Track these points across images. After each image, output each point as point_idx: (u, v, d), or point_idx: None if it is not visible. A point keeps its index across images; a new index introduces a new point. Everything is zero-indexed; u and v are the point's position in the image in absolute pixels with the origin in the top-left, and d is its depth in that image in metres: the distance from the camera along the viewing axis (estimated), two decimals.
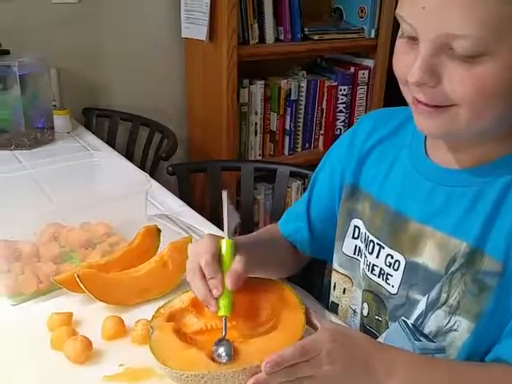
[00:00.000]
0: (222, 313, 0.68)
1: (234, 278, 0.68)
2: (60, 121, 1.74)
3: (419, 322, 0.73)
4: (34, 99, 1.62)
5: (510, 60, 0.58)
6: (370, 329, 0.82)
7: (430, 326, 0.72)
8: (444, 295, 0.70)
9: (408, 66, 0.62)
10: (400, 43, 0.65)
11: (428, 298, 0.72)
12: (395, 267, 0.75)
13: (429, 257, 0.72)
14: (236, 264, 0.70)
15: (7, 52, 1.65)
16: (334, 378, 0.63)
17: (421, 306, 0.73)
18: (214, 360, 0.64)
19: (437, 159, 0.74)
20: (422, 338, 0.73)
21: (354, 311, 0.85)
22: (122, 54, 2.09)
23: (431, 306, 0.71)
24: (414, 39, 0.62)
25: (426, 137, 0.76)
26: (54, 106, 1.77)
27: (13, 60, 1.55)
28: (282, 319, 0.70)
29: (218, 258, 0.70)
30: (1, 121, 1.60)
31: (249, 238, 0.85)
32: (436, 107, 0.63)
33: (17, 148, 1.60)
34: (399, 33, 0.65)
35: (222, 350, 0.64)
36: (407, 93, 0.67)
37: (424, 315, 0.72)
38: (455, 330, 0.70)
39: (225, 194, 0.71)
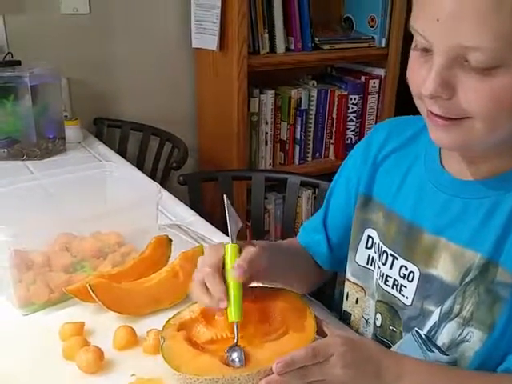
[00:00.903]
0: (232, 319, 0.67)
1: (239, 270, 0.68)
2: (71, 131, 1.76)
3: (432, 333, 0.73)
4: (45, 110, 1.63)
5: None
6: (383, 339, 0.81)
7: (442, 338, 0.71)
8: (457, 306, 0.70)
9: (422, 78, 0.61)
10: (414, 55, 0.64)
11: (441, 310, 0.71)
12: (409, 278, 0.75)
13: (443, 269, 0.71)
14: (243, 255, 0.69)
15: (18, 63, 1.66)
16: (345, 382, 0.62)
17: (434, 317, 0.72)
18: (227, 366, 0.64)
19: (452, 170, 0.73)
20: (434, 349, 0.72)
21: (367, 321, 0.85)
22: (133, 64, 2.10)
23: (444, 318, 0.71)
24: (427, 51, 0.61)
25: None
26: (65, 116, 1.78)
27: (24, 71, 1.56)
28: (293, 325, 0.70)
29: (220, 267, 0.69)
30: (12, 131, 1.61)
31: (269, 243, 0.84)
32: (451, 120, 0.62)
33: (28, 158, 1.61)
34: (413, 45, 0.64)
35: (235, 355, 0.64)
36: (421, 106, 0.66)
37: (437, 326, 0.72)
38: (467, 341, 0.69)
39: (226, 200, 0.71)
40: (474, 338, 0.68)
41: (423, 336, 0.73)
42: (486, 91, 0.58)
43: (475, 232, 0.68)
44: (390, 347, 0.79)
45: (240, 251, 0.71)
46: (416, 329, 0.74)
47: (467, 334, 0.69)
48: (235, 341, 0.66)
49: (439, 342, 0.72)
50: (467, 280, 0.68)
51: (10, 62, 1.68)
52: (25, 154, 1.61)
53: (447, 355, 0.71)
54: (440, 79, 0.59)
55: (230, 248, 0.71)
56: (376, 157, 0.83)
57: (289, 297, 0.75)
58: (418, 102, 0.67)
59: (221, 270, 0.69)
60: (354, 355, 0.63)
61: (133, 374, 0.71)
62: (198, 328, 0.72)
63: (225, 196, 0.72)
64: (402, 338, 0.77)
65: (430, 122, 0.65)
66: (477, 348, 0.68)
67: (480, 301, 0.67)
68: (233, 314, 0.67)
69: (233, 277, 0.68)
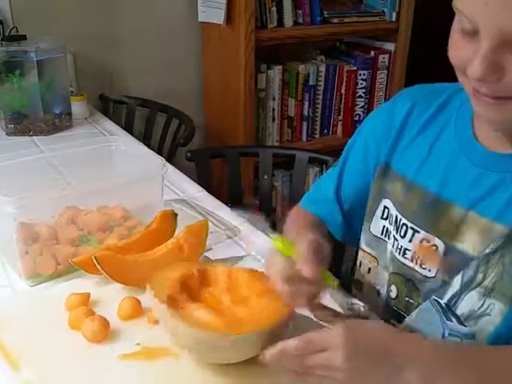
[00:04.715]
0: (335, 287, 0.69)
1: (307, 265, 0.65)
2: (77, 107, 1.75)
3: (452, 302, 0.72)
4: (51, 85, 1.63)
5: None
6: (397, 310, 0.80)
7: (462, 308, 0.71)
8: (480, 275, 0.69)
9: (467, 57, 0.60)
10: (457, 35, 0.63)
11: (463, 278, 0.70)
12: (432, 251, 0.74)
13: (470, 242, 0.70)
14: (305, 248, 0.67)
15: (24, 37, 1.65)
16: (349, 376, 0.59)
17: (455, 286, 0.71)
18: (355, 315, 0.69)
19: (485, 141, 0.71)
20: (453, 319, 0.72)
21: (378, 292, 0.84)
22: (138, 39, 2.08)
23: (466, 287, 0.70)
24: (473, 33, 0.60)
25: (472, 116, 0.74)
26: (71, 92, 1.77)
27: (30, 45, 1.55)
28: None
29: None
30: (19, 107, 1.61)
31: (300, 229, 0.83)
32: (499, 99, 0.61)
33: (35, 134, 1.61)
34: (455, 24, 0.63)
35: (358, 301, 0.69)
36: (466, 83, 0.64)
37: (458, 295, 0.71)
38: (488, 315, 0.68)
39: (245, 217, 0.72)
40: (495, 311, 0.68)
41: (443, 304, 0.73)
42: None
43: (505, 206, 0.67)
44: (404, 318, 0.78)
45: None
46: (434, 297, 0.74)
47: (488, 307, 0.68)
48: (349, 300, 0.70)
49: (458, 312, 0.71)
50: (490, 250, 0.68)
51: (16, 37, 1.68)
52: (32, 129, 1.61)
53: (465, 326, 0.70)
54: (487, 63, 0.58)
55: (276, 240, 0.70)
56: (400, 127, 0.81)
57: None
58: (462, 78, 0.65)
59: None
60: (355, 345, 0.59)
61: (138, 343, 0.72)
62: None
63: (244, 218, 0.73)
64: (417, 308, 0.77)
65: (475, 100, 0.64)
66: (497, 322, 0.67)
67: (504, 271, 0.67)
68: (332, 285, 0.69)
69: (305, 274, 0.65)
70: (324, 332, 0.61)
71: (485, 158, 0.71)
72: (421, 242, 0.75)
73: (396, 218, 0.79)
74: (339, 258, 1.01)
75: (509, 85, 0.59)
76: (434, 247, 0.74)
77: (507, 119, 0.63)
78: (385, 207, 0.82)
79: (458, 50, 0.63)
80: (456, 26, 0.63)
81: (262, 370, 0.65)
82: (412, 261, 0.76)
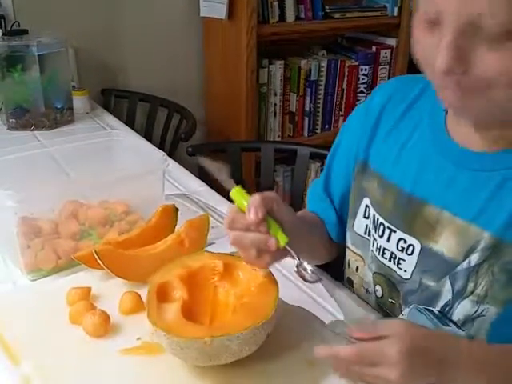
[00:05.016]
0: (283, 242, 0.66)
1: (253, 210, 0.64)
2: (79, 101, 1.75)
3: (446, 310, 0.71)
4: (52, 79, 1.62)
5: None
6: (386, 310, 0.80)
7: (458, 314, 0.70)
8: (471, 285, 0.67)
9: (431, 51, 0.58)
10: (419, 26, 0.60)
11: (453, 288, 0.69)
12: (409, 252, 0.72)
13: (445, 244, 0.69)
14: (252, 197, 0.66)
15: (26, 32, 1.65)
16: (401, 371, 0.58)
17: (446, 296, 0.70)
18: (303, 278, 0.68)
19: (459, 139, 0.69)
20: (450, 324, 0.70)
21: (367, 290, 0.83)
22: (140, 34, 2.08)
23: (458, 296, 0.69)
24: (435, 23, 0.58)
25: (445, 112, 0.72)
26: (73, 86, 1.77)
27: (31, 40, 1.55)
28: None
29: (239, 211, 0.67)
30: (21, 101, 1.61)
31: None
32: (467, 90, 0.59)
33: (37, 129, 1.61)
34: (414, 20, 0.61)
35: (306, 265, 0.67)
36: (432, 76, 0.62)
37: (451, 304, 0.70)
38: (483, 316, 0.67)
39: (201, 159, 0.70)
40: (490, 313, 0.67)
41: (436, 312, 0.71)
42: (504, 59, 0.55)
43: (483, 208, 0.65)
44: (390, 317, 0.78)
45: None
46: (424, 306, 0.72)
47: (483, 311, 0.67)
48: (298, 260, 0.68)
49: (455, 318, 0.70)
50: (478, 261, 0.66)
51: (17, 31, 1.67)
52: (33, 124, 1.61)
53: (463, 330, 0.69)
54: (453, 53, 0.56)
55: (235, 192, 0.68)
56: (375, 121, 0.79)
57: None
58: (427, 72, 0.63)
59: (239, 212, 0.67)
60: (413, 341, 0.59)
61: (138, 338, 0.72)
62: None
63: (199, 158, 0.71)
64: (401, 311, 0.76)
65: (442, 94, 0.62)
66: (493, 319, 0.67)
67: (494, 280, 0.65)
68: (280, 239, 0.66)
69: (248, 218, 0.64)
70: (378, 344, 0.59)
71: (458, 155, 0.69)
72: (398, 241, 0.74)
73: (374, 217, 0.78)
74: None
75: (476, 76, 0.57)
76: (411, 247, 0.72)
77: (477, 109, 0.61)
78: (366, 206, 0.80)
79: (422, 44, 0.61)
80: (416, 22, 0.61)
81: (260, 366, 0.66)
82: (390, 261, 0.75)
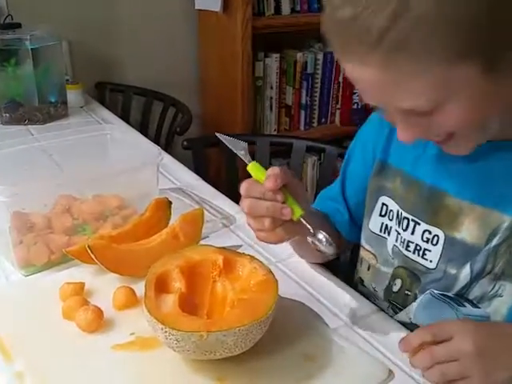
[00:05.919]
0: (298, 215, 0.66)
1: (271, 178, 0.65)
2: (73, 95, 1.74)
3: (463, 292, 0.73)
4: (46, 73, 1.61)
5: (470, 96, 0.56)
6: (393, 303, 0.81)
7: (474, 292, 0.72)
8: (489, 266, 0.70)
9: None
10: None
11: (472, 272, 0.71)
12: (434, 242, 0.75)
13: (467, 231, 0.71)
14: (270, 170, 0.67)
15: (19, 25, 1.63)
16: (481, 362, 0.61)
17: (462, 280, 0.72)
18: (319, 250, 0.67)
19: None
20: (466, 304, 0.73)
21: (374, 289, 0.84)
22: (135, 26, 2.07)
23: (476, 278, 0.71)
24: None
25: None
26: (67, 80, 1.75)
27: (25, 33, 1.53)
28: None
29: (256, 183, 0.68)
30: (14, 95, 1.60)
31: None
32: (440, 141, 0.63)
33: (30, 123, 1.59)
34: None
35: (321, 236, 0.66)
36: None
37: (468, 286, 0.72)
38: (500, 296, 0.70)
39: (219, 135, 0.73)
40: (506, 291, 0.69)
41: (451, 295, 0.74)
42: (451, 119, 0.58)
43: (501, 194, 0.68)
44: (400, 310, 0.79)
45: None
46: (437, 291, 0.74)
47: (499, 288, 0.70)
48: (313, 231, 0.67)
49: (471, 296, 0.72)
50: (496, 242, 0.69)
51: (11, 25, 1.66)
52: (27, 118, 1.60)
53: (479, 308, 0.71)
54: (407, 128, 0.61)
55: (252, 166, 0.68)
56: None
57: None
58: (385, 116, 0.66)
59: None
60: (482, 331, 0.63)
61: (132, 333, 0.71)
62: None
63: (217, 134, 0.73)
64: (414, 300, 0.77)
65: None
66: (510, 302, 0.69)
67: (511, 258, 0.68)
68: (296, 211, 0.66)
69: (266, 186, 0.65)
70: (448, 345, 0.62)
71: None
72: (423, 233, 0.76)
73: (397, 212, 0.80)
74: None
75: (437, 129, 0.60)
76: (436, 238, 0.75)
77: (468, 148, 0.64)
78: (383, 204, 0.82)
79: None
80: None
81: (256, 361, 0.66)
82: (414, 253, 0.77)
